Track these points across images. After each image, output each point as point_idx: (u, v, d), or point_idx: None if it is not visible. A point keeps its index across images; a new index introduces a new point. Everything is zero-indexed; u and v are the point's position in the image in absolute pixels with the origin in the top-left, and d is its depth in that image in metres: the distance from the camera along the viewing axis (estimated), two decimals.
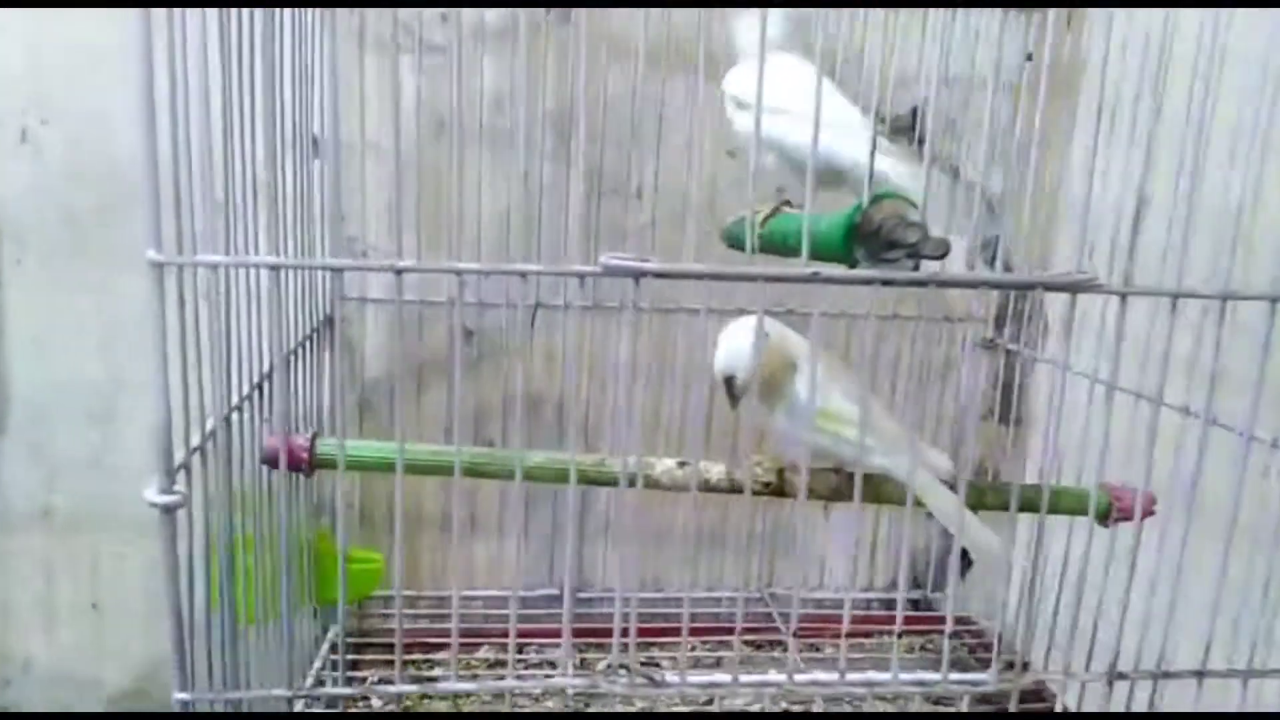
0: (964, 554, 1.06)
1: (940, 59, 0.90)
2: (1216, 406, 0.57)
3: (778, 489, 0.72)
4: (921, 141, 0.93)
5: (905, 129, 0.93)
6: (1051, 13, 0.89)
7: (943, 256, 0.43)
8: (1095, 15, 0.84)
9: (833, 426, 0.62)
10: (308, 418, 0.84)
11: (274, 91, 0.71)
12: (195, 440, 0.49)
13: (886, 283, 0.43)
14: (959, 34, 0.90)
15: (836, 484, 0.71)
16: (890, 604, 1.06)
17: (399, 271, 0.46)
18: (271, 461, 0.68)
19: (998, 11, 0.91)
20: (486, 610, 0.98)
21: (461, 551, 0.98)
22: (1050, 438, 0.53)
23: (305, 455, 0.69)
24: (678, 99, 0.89)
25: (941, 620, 1.03)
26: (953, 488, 0.60)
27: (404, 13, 0.86)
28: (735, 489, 0.71)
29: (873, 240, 0.44)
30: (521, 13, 0.88)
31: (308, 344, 0.84)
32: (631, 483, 0.69)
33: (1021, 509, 0.66)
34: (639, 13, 0.84)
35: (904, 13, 0.89)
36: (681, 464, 0.71)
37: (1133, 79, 0.66)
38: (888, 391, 0.98)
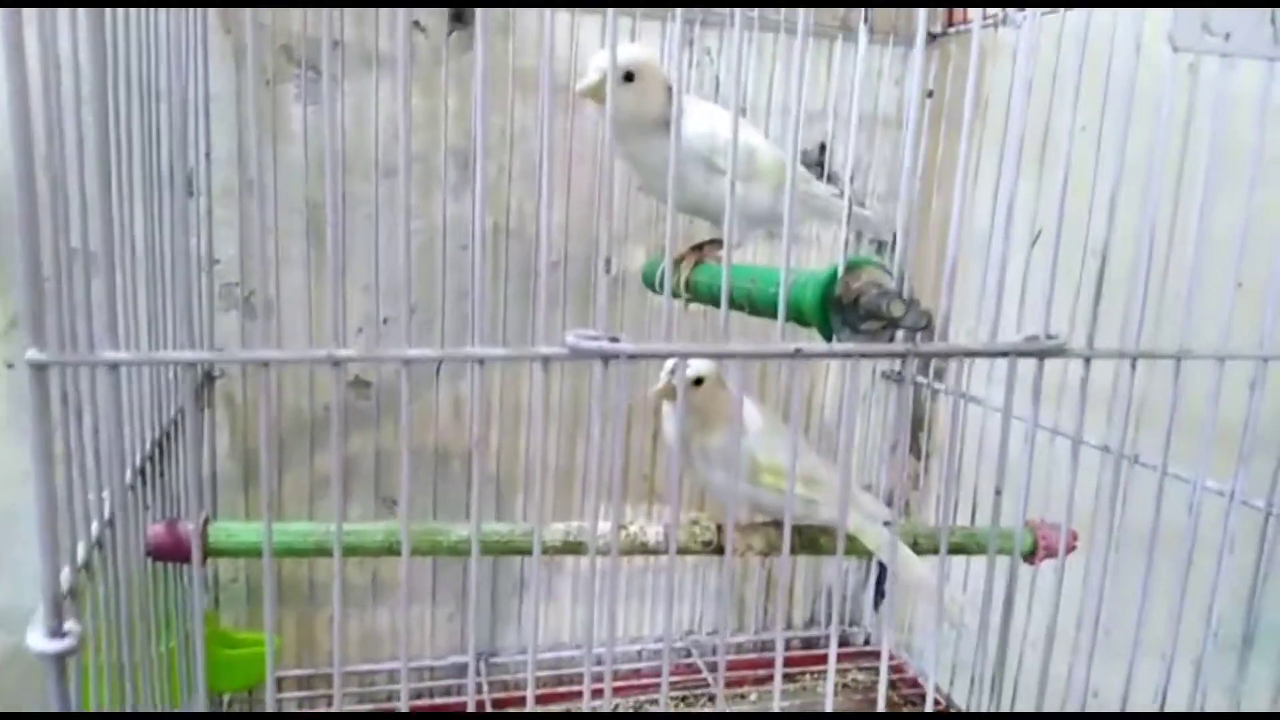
0: (878, 585, 1.07)
1: (847, 96, 0.90)
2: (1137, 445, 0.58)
3: (718, 547, 0.69)
4: (830, 178, 0.92)
5: (813, 164, 0.92)
6: (953, 50, 0.91)
7: (925, 328, 0.41)
8: (997, 54, 0.85)
9: (774, 481, 0.60)
10: (190, 497, 0.75)
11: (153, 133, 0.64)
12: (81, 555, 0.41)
13: (866, 355, 0.41)
14: (861, 71, 0.90)
15: (777, 539, 0.69)
16: (809, 642, 1.05)
17: (343, 360, 0.40)
18: (157, 554, 0.60)
19: (901, 48, 0.92)
20: (390, 686, 0.90)
21: (363, 622, 0.90)
22: (946, 472, 0.52)
23: (199, 544, 0.61)
24: (589, 131, 0.85)
25: (859, 655, 1.04)
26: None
27: (285, 40, 0.78)
28: (684, 551, 0.68)
29: (851, 310, 0.42)
30: (422, 40, 0.82)
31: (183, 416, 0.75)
32: (545, 550, 0.65)
33: (951, 551, 0.66)
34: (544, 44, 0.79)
35: (810, 48, 0.88)
36: (621, 528, 0.67)
37: (1020, 113, 0.67)
38: (804, 428, 0.97)
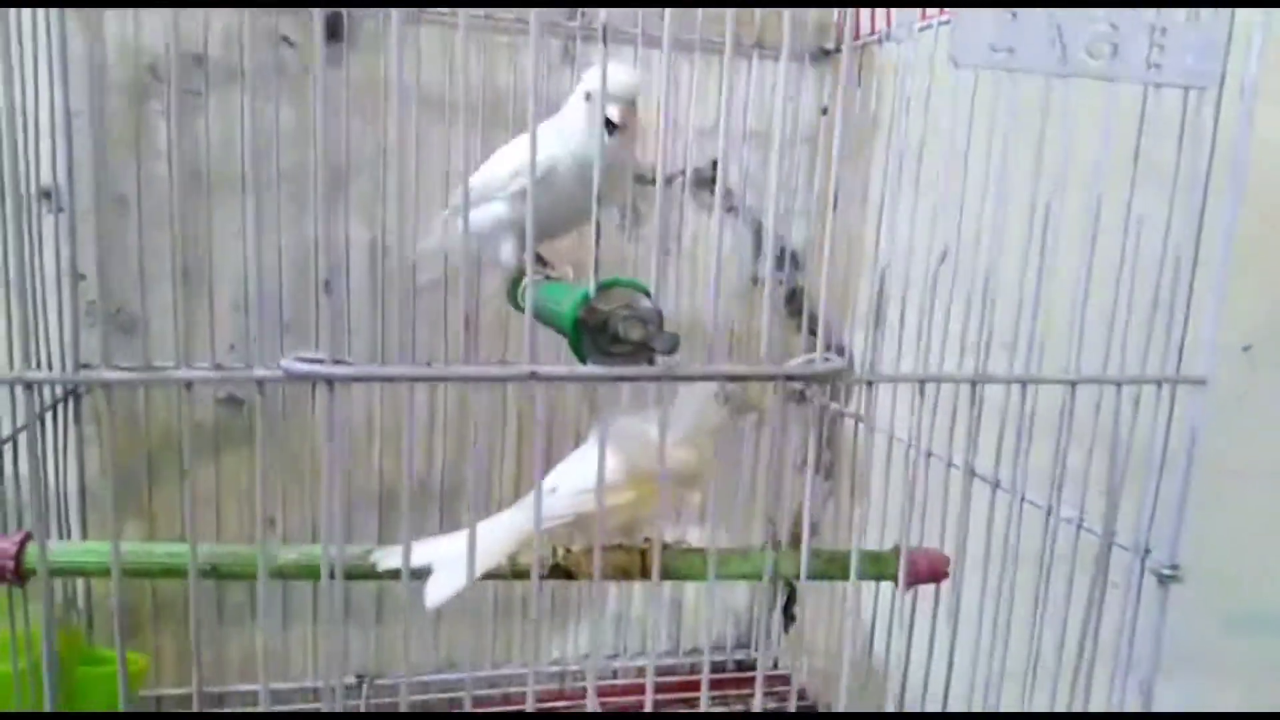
0: (787, 609, 1.05)
1: (740, 111, 0.89)
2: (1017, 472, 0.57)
3: (565, 571, 0.68)
4: (722, 193, 0.91)
5: (706, 181, 0.90)
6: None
7: (672, 351, 0.40)
8: (884, 71, 0.84)
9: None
10: (46, 515, 0.74)
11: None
12: None
13: (609, 379, 0.39)
14: (754, 88, 0.89)
15: (624, 562, 0.68)
16: (716, 666, 1.02)
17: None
18: None
19: (793, 65, 0.91)
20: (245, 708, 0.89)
21: (237, 643, 0.88)
22: (810, 492, 0.51)
23: (11, 564, 0.60)
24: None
25: (768, 679, 1.01)
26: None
27: (147, 57, 0.77)
28: (519, 575, 0.66)
29: (601, 335, 0.40)
30: (289, 53, 0.81)
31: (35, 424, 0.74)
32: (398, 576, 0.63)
33: (816, 576, 0.65)
34: (424, 53, 0.79)
35: (700, 64, 0.87)
36: None
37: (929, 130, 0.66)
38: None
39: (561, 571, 0.67)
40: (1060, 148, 0.46)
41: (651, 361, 0.41)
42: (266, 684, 0.47)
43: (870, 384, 0.45)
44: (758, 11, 0.87)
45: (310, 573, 0.62)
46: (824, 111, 0.90)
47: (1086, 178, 0.46)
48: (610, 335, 0.40)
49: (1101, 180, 0.46)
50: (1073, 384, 0.51)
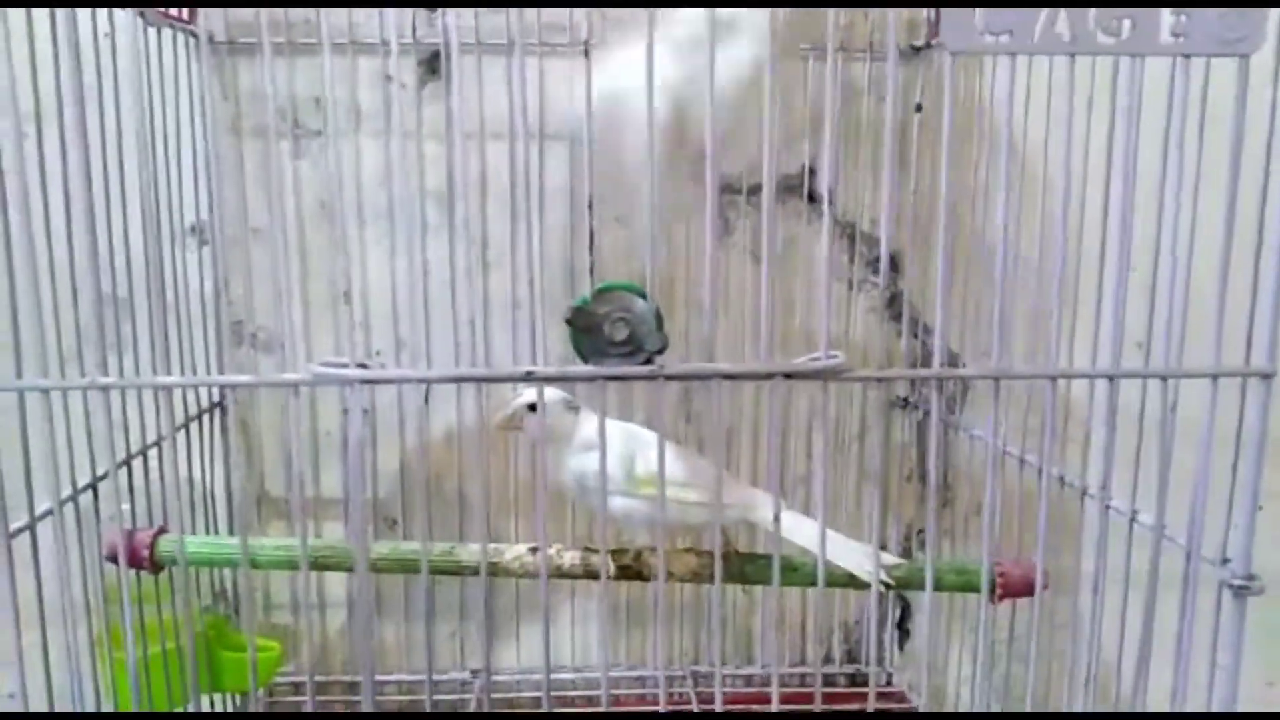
0: (900, 624, 1.02)
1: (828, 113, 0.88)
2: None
3: (635, 572, 0.70)
4: (813, 199, 0.91)
5: (795, 189, 0.90)
6: (943, 63, 0.87)
7: (661, 351, 0.41)
8: (985, 65, 0.81)
9: (646, 491, 0.60)
10: (196, 507, 0.84)
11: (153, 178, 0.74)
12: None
13: (607, 378, 0.41)
14: (841, 88, 0.88)
15: (696, 565, 0.69)
16: (828, 679, 1.01)
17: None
18: (114, 558, 0.68)
19: (885, 64, 0.89)
20: (398, 696, 0.96)
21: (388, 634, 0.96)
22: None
23: (146, 553, 0.69)
24: (558, 169, 0.88)
25: (880, 696, 0.99)
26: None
27: (280, 100, 0.87)
28: (590, 574, 0.69)
29: (594, 335, 0.42)
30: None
31: (193, 426, 0.84)
32: (476, 572, 0.68)
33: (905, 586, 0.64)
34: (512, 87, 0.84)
35: (783, 70, 0.87)
36: (533, 549, 0.69)
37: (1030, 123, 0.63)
38: (803, 455, 0.95)
39: (632, 572, 0.70)
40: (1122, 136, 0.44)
41: (649, 360, 0.43)
42: (370, 676, 0.51)
43: (963, 385, 0.44)
44: (841, 14, 0.87)
45: (404, 567, 0.67)
46: (918, 109, 0.88)
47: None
48: (604, 336, 0.42)
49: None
50: (1164, 379, 0.47)
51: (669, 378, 0.41)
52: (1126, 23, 0.42)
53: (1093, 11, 0.41)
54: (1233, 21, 0.41)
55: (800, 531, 0.58)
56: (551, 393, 0.58)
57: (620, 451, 0.59)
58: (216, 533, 0.89)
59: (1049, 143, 0.64)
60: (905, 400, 0.94)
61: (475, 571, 0.67)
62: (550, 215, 0.89)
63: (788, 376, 0.43)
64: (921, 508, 0.96)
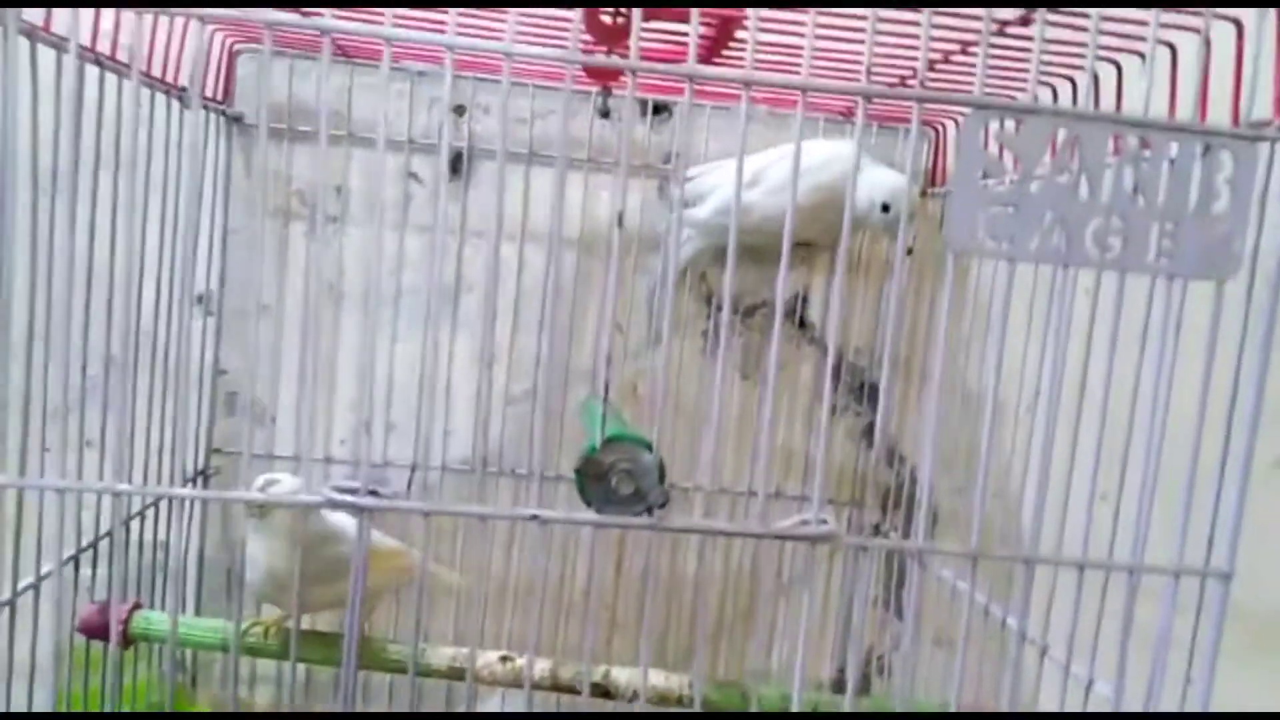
0: None
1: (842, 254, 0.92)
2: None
3: (603, 690, 0.70)
4: (803, 325, 0.94)
5: (789, 313, 0.94)
6: (931, 207, 0.92)
7: (663, 505, 0.43)
8: None
9: None
10: (164, 584, 0.84)
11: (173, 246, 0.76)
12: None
13: (606, 525, 0.43)
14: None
15: (663, 689, 0.70)
16: None
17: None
18: (88, 632, 0.68)
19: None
20: None
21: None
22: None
23: (121, 628, 0.69)
24: (566, 273, 0.91)
25: None
26: None
27: (300, 184, 0.89)
28: (560, 689, 0.69)
29: (601, 484, 0.44)
30: (417, 189, 0.92)
31: (163, 503, 0.84)
32: (451, 675, 0.68)
33: None
34: (532, 189, 0.88)
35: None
36: (504, 659, 0.69)
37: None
38: (774, 575, 0.97)
39: (599, 690, 0.70)
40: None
41: (649, 511, 0.45)
42: None
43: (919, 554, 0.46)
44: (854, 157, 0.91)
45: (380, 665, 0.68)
46: (909, 252, 0.92)
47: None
48: (608, 485, 0.44)
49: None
50: (1130, 571, 0.49)
51: (668, 530, 0.43)
52: (1117, 240, 0.46)
53: (1090, 228, 0.45)
54: (1214, 247, 0.45)
55: None
56: None
57: None
58: (184, 606, 0.89)
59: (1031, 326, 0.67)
60: (876, 528, 0.96)
61: (451, 675, 0.68)
62: (553, 318, 0.91)
63: (779, 538, 0.45)
64: (883, 634, 0.97)
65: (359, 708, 0.89)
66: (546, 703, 0.91)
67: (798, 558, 0.95)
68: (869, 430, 0.95)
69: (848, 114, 0.90)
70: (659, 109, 0.91)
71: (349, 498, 0.43)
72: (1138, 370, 0.49)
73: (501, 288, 0.91)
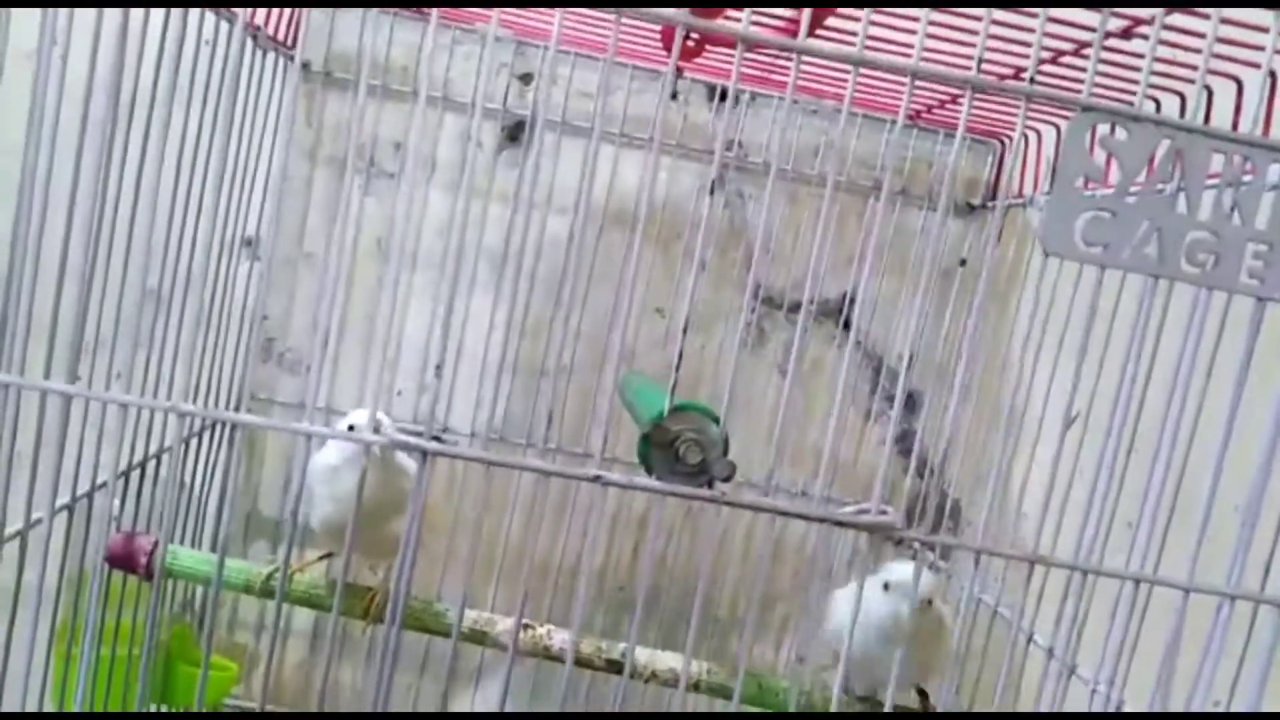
0: None
1: (876, 251, 0.92)
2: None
3: (619, 666, 0.70)
4: (847, 326, 0.94)
5: (832, 313, 0.93)
6: (990, 221, 0.91)
7: (728, 479, 0.43)
8: (1033, 228, 0.85)
9: None
10: (187, 515, 0.84)
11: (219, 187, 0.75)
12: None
13: (669, 494, 0.42)
14: (893, 229, 0.92)
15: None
16: None
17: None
18: (114, 562, 0.68)
19: (936, 213, 0.93)
20: None
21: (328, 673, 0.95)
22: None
23: (144, 560, 0.68)
24: (614, 251, 0.91)
25: None
26: None
27: (359, 137, 0.89)
28: (578, 663, 0.69)
29: (666, 451, 0.44)
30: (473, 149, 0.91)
31: (200, 439, 0.84)
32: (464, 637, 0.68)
33: None
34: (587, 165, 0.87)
35: (842, 199, 0.91)
36: (526, 626, 0.69)
37: (1065, 295, 0.66)
38: (791, 574, 0.96)
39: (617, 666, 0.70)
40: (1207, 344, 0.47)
41: (710, 484, 0.44)
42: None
43: (978, 555, 0.46)
44: (907, 161, 0.91)
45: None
46: (963, 263, 0.91)
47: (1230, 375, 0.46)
48: (674, 454, 0.43)
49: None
50: (1186, 591, 0.49)
51: (729, 504, 0.43)
52: (1210, 256, 0.45)
53: (1185, 242, 0.44)
54: None
55: None
56: None
57: None
58: (201, 544, 0.88)
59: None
60: (900, 541, 0.95)
61: (466, 637, 0.68)
62: (595, 295, 0.91)
63: (838, 524, 0.45)
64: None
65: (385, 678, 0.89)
66: (554, 674, 0.91)
67: (818, 556, 0.94)
68: (903, 437, 0.95)
69: (913, 118, 0.89)
70: (726, 95, 0.90)
71: (413, 440, 0.42)
72: (1202, 388, 0.48)
73: (548, 260, 0.90)
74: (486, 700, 0.96)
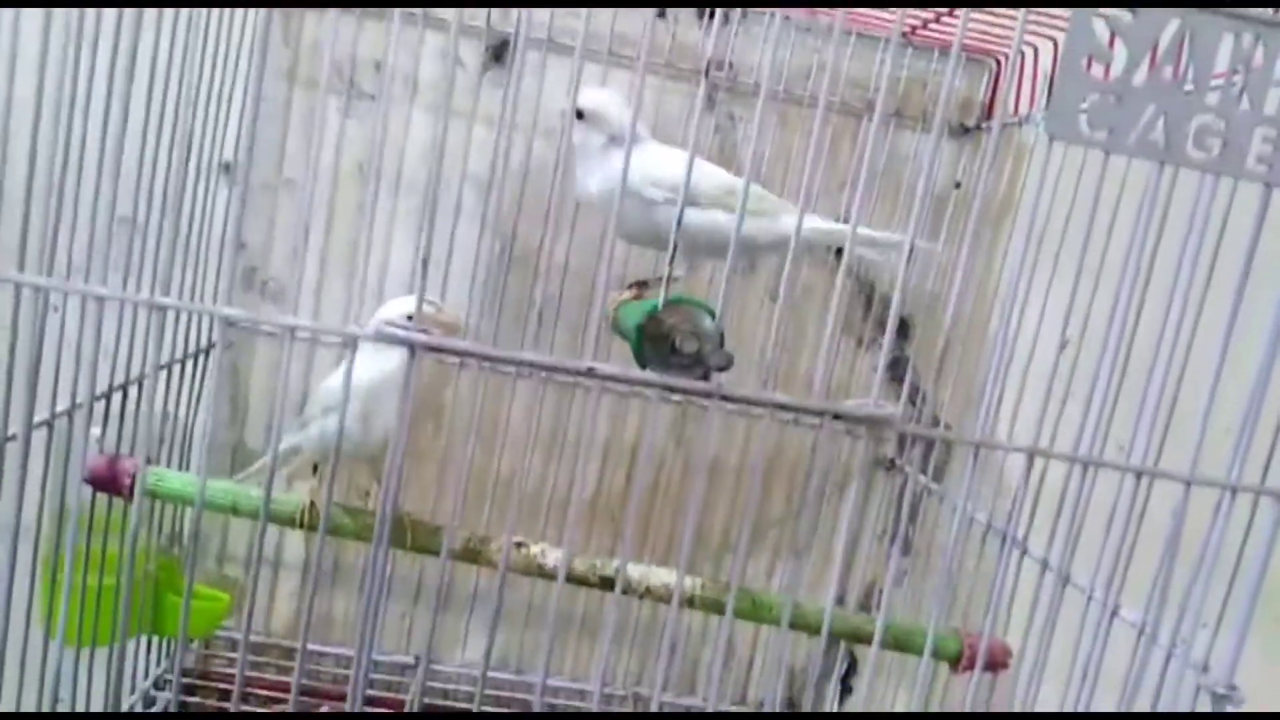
0: (845, 678, 1.03)
1: (868, 175, 0.90)
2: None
3: (609, 583, 0.69)
4: (839, 253, 0.92)
5: None
6: (986, 142, 0.89)
7: (725, 369, 0.42)
8: (1029, 147, 0.84)
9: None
10: (172, 444, 0.82)
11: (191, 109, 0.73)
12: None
13: (662, 386, 0.41)
14: (886, 155, 0.91)
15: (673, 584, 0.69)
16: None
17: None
18: (94, 483, 0.66)
19: (929, 135, 0.92)
20: (336, 670, 0.94)
21: (320, 603, 0.94)
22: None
23: (128, 481, 0.67)
24: None
25: None
26: None
27: (338, 57, 0.86)
28: (572, 579, 0.68)
29: (661, 344, 0.43)
30: (459, 73, 0.89)
31: (185, 365, 0.82)
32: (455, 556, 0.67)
33: (886, 645, 0.64)
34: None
35: (835, 121, 0.89)
36: (519, 544, 0.68)
37: (1061, 216, 0.65)
38: (784, 500, 0.96)
39: (608, 583, 0.69)
40: (1209, 240, 0.46)
41: (706, 376, 0.43)
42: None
43: (976, 449, 0.45)
44: (901, 81, 0.89)
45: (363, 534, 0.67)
46: (957, 186, 0.90)
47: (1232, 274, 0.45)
48: (669, 345, 0.42)
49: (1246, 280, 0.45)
50: (1188, 484, 0.48)
51: (726, 398, 0.42)
52: (1217, 141, 0.44)
53: (1193, 124, 0.43)
54: None
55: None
56: (600, 98, 0.63)
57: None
58: (186, 468, 0.87)
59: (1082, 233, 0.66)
60: (892, 462, 0.95)
61: (459, 556, 0.67)
62: (583, 223, 0.89)
63: (837, 417, 0.44)
64: (885, 568, 0.97)
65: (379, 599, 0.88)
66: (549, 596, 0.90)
67: (811, 484, 0.94)
68: (894, 364, 0.94)
69: (906, 35, 0.87)
70: (715, 13, 0.88)
71: (400, 332, 0.41)
72: (1205, 281, 0.48)
73: (535, 185, 0.88)
74: (481, 625, 0.96)
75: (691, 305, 0.44)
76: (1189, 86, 0.43)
